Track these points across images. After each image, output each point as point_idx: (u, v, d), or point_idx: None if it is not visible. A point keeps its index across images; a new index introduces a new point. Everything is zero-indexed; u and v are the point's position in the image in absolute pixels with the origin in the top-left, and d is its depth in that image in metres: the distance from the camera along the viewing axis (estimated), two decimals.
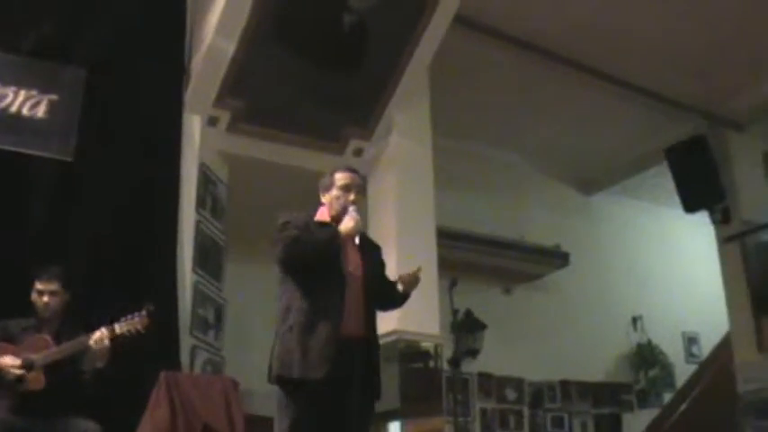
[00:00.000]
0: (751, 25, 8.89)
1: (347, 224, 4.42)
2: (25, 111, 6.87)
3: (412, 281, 4.68)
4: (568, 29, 8.90)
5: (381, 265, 4.81)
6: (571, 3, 8.58)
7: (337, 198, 4.59)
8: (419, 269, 4.70)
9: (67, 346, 5.11)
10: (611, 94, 10.13)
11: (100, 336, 5.09)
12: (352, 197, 4.59)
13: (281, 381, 4.25)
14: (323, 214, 4.63)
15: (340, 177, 4.64)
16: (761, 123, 10.80)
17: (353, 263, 4.49)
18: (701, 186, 10.68)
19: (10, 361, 5.03)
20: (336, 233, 4.41)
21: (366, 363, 4.35)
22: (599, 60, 9.51)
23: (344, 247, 4.46)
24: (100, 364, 5.17)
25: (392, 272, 7.78)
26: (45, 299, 5.33)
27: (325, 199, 4.66)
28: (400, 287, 4.68)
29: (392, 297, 4.73)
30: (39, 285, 5.36)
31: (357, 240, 4.52)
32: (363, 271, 4.52)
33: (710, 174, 10.61)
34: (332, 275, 4.37)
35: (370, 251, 4.70)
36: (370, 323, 4.49)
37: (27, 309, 5.37)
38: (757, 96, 10.37)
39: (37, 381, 5.03)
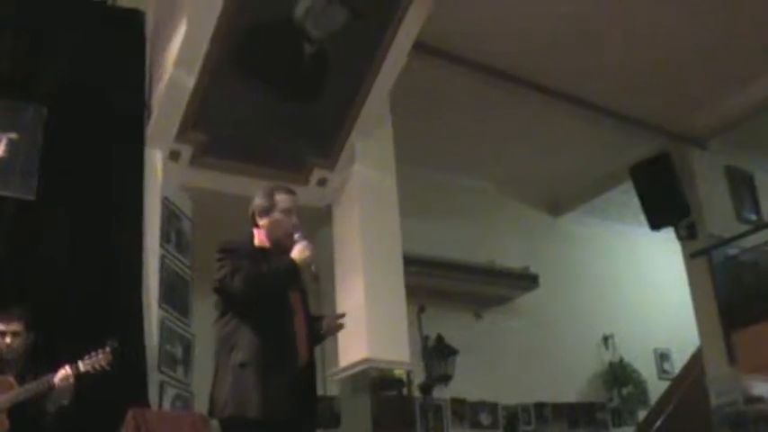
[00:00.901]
0: (709, 43, 8.99)
1: (303, 253, 4.23)
2: None
3: (334, 327, 4.57)
4: (530, 52, 8.95)
5: None
6: (532, 26, 8.62)
7: (279, 222, 4.38)
8: (342, 315, 4.60)
9: (31, 387, 5.05)
10: (574, 115, 10.19)
11: (65, 373, 5.05)
12: (294, 220, 4.41)
13: (235, 421, 4.03)
14: (261, 239, 4.42)
15: (282, 200, 4.43)
16: (722, 139, 10.93)
17: (295, 297, 4.35)
18: (666, 203, 10.76)
19: None
20: (294, 264, 4.22)
21: (311, 397, 4.33)
22: (561, 82, 9.58)
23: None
24: (65, 401, 5.13)
25: (360, 301, 7.84)
26: (7, 340, 5.28)
27: (262, 222, 4.41)
28: (324, 330, 4.51)
29: (313, 335, 4.47)
30: (0, 326, 5.30)
31: (312, 269, 4.33)
32: (302, 301, 4.41)
33: (675, 190, 10.69)
34: (281, 308, 4.23)
35: (303, 287, 4.49)
36: (313, 356, 4.36)
37: None
38: (717, 112, 10.49)
39: (0, 424, 4.96)
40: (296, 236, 4.32)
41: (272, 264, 4.23)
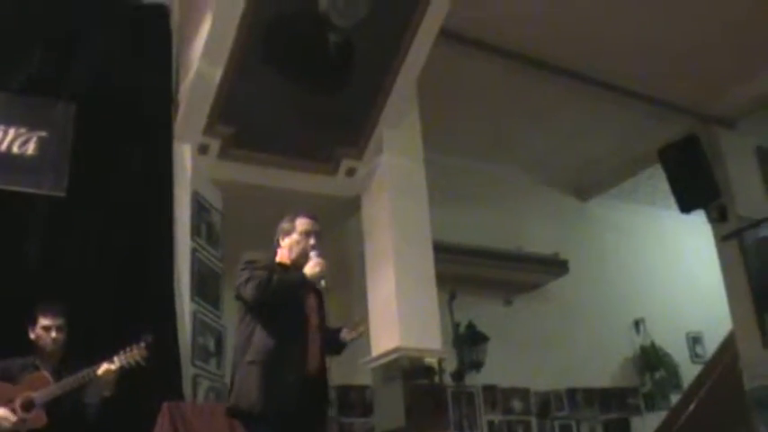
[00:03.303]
0: (736, 22, 8.90)
1: (314, 268, 4.61)
2: (15, 149, 6.83)
3: (356, 336, 5.02)
4: (556, 36, 8.90)
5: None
6: (556, 10, 8.56)
7: (297, 242, 4.82)
8: (364, 325, 5.15)
9: (69, 381, 5.09)
10: (601, 98, 10.14)
11: (107, 366, 5.10)
12: (312, 242, 4.80)
13: (236, 411, 4.49)
14: (282, 257, 4.84)
15: (301, 223, 4.87)
16: (751, 119, 10.82)
17: (311, 307, 4.74)
18: (695, 186, 10.65)
19: (2, 413, 4.99)
20: (302, 277, 4.61)
21: (320, 401, 4.70)
22: (588, 66, 9.53)
23: (306, 291, 4.74)
24: (107, 392, 5.19)
25: (390, 290, 7.85)
26: (53, 334, 5.33)
27: (284, 243, 4.87)
28: (345, 336, 4.95)
29: (333, 344, 4.94)
30: (45, 321, 5.33)
31: (322, 283, 4.71)
32: (319, 315, 4.79)
33: (704, 172, 10.59)
34: (294, 316, 4.59)
35: (321, 298, 4.90)
36: (324, 364, 4.73)
37: (24, 347, 5.34)
38: (746, 93, 10.39)
39: (38, 419, 5.01)
40: (311, 253, 4.72)
41: (283, 275, 4.63)
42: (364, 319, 5.23)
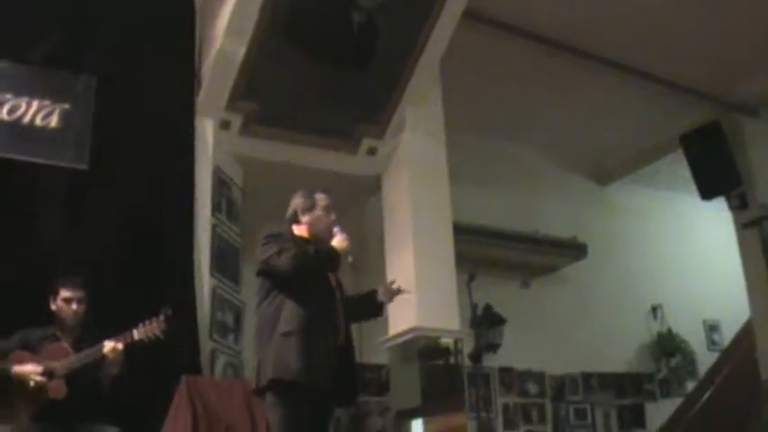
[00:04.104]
0: (761, 8, 8.81)
1: (342, 242, 4.69)
2: (38, 121, 6.87)
3: (394, 292, 5.11)
4: (579, 19, 8.84)
5: None
6: None
7: (320, 218, 4.84)
8: (394, 282, 5.17)
9: (88, 354, 5.11)
10: (624, 82, 10.08)
11: (113, 345, 5.10)
12: (333, 217, 4.87)
13: (277, 383, 4.36)
14: (301, 231, 4.83)
15: (322, 198, 4.89)
16: None
17: (331, 279, 4.77)
18: (717, 173, 10.61)
19: (31, 368, 5.03)
20: (335, 250, 4.66)
21: (350, 370, 4.69)
22: (610, 49, 9.48)
23: None
24: (115, 371, 5.20)
25: (410, 269, 7.84)
26: (74, 306, 5.34)
27: (304, 218, 4.85)
28: (382, 297, 5.05)
29: (367, 310, 5.11)
30: (66, 293, 5.35)
31: (349, 258, 4.76)
32: (338, 287, 4.81)
33: (726, 159, 10.54)
34: (321, 288, 4.63)
35: (337, 276, 4.91)
36: (351, 335, 4.77)
37: (42, 318, 5.37)
38: None
39: (58, 389, 5.04)
40: (335, 229, 4.78)
41: (318, 247, 4.64)
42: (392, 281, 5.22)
